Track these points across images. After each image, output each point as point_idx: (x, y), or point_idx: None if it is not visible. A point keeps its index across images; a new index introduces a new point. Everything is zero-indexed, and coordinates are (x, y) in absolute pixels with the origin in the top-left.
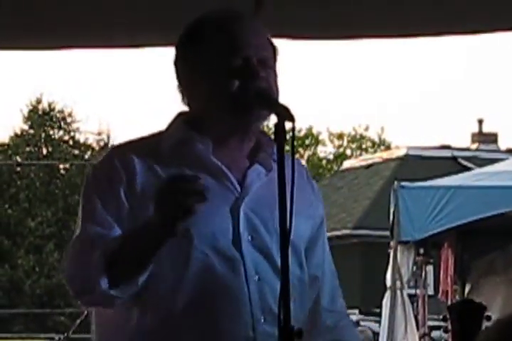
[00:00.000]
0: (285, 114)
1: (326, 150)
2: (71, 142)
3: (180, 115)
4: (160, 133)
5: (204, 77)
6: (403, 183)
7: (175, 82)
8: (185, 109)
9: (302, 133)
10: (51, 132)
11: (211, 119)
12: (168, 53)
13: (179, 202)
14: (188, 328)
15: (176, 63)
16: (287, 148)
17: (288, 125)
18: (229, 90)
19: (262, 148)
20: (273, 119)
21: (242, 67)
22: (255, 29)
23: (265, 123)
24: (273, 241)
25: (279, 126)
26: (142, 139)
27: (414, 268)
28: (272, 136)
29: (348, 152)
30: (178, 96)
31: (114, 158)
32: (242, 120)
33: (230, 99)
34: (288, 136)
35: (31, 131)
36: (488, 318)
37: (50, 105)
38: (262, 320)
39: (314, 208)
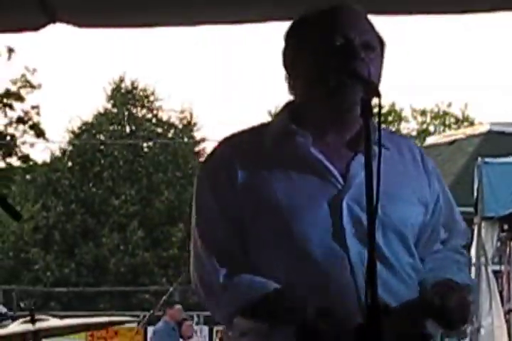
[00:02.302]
0: (371, 90)
1: (408, 127)
2: (154, 120)
3: (288, 105)
4: (268, 124)
5: (307, 56)
6: (487, 159)
7: (257, 60)
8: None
9: (385, 110)
10: (134, 110)
11: (311, 107)
12: (253, 31)
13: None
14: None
15: (284, 52)
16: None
17: (374, 101)
18: (328, 68)
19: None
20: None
21: (343, 46)
22: (360, 16)
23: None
24: (379, 231)
25: (366, 102)
26: (251, 130)
27: (499, 244)
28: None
29: (431, 128)
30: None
31: (218, 161)
32: (338, 104)
33: (328, 80)
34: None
35: (114, 110)
36: None
37: (132, 83)
38: None
39: (427, 193)
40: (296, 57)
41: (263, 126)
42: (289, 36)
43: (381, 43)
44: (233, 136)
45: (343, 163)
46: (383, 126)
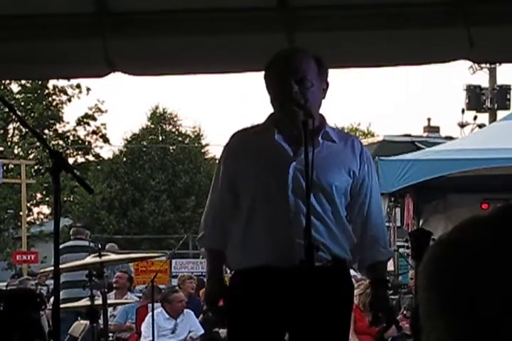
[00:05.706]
0: (307, 113)
1: None
2: (177, 132)
3: (271, 114)
4: (263, 123)
5: (272, 91)
6: (381, 158)
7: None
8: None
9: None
10: (164, 126)
11: (280, 118)
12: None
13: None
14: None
15: (265, 81)
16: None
17: (309, 121)
18: (279, 99)
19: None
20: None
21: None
22: (301, 59)
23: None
24: (313, 190)
25: (304, 122)
26: (255, 126)
27: (388, 209)
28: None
29: None
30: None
31: (229, 146)
32: (292, 120)
33: (284, 107)
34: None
35: (152, 126)
36: (434, 240)
37: (163, 109)
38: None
39: (356, 171)
40: (268, 87)
41: (263, 124)
42: (265, 74)
43: (321, 74)
44: (240, 131)
45: (295, 147)
46: (337, 127)
